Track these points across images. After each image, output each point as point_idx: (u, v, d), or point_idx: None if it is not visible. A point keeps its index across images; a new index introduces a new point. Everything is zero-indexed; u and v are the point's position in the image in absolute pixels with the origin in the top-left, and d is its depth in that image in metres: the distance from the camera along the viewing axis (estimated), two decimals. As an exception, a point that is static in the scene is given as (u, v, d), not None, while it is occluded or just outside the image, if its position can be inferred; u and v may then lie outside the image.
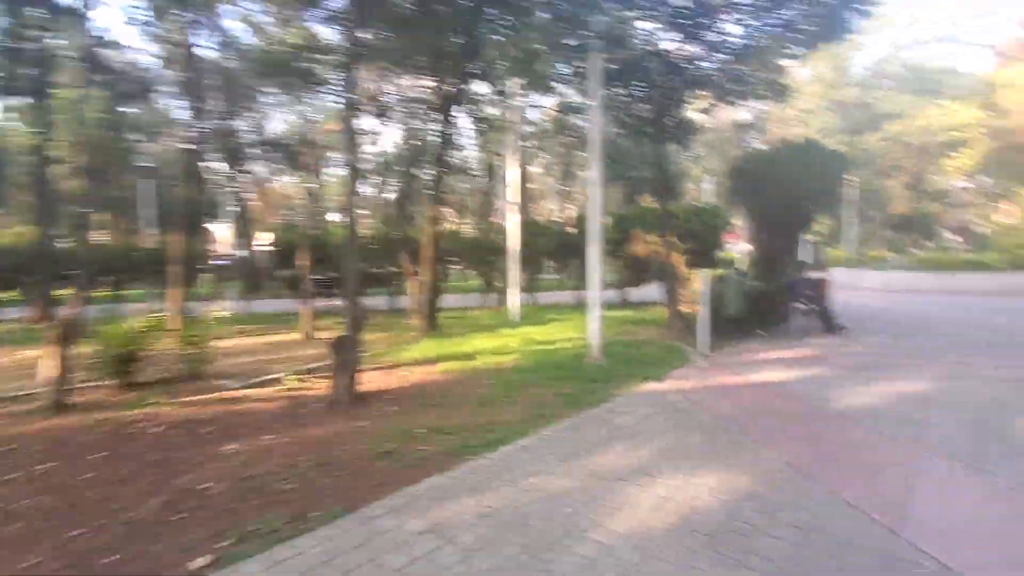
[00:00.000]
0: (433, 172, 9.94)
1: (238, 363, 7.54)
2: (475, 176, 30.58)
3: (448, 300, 15.77)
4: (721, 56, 10.79)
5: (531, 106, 31.14)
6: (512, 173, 12.45)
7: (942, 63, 34.75)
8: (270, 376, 6.45)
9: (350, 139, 5.25)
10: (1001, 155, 33.53)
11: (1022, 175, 32.15)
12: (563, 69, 12.41)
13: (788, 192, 10.27)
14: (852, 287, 18.20)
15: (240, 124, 23.43)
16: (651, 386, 5.73)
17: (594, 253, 7.06)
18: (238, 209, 23.09)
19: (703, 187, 32.33)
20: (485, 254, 14.81)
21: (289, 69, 11.50)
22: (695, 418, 4.57)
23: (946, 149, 28.74)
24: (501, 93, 13.08)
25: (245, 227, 23.24)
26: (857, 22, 8.68)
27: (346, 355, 4.94)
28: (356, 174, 5.08)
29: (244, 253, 20.56)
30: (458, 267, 17.11)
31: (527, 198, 16.43)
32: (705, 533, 2.68)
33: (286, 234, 16.39)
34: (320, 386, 5.73)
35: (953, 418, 4.46)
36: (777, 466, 3.50)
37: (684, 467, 3.50)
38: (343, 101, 15.27)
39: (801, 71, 35.80)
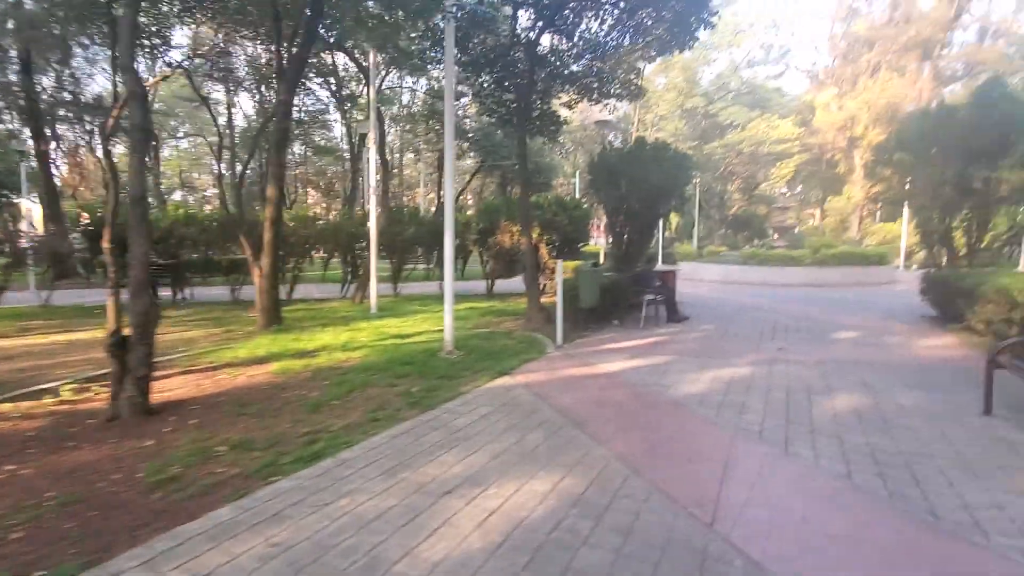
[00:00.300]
0: (277, 146, 8.81)
1: (9, 368, 6.03)
2: (341, 157, 28.72)
3: (307, 290, 14.51)
4: (582, 52, 11.03)
5: (402, 87, 30.00)
6: (374, 155, 11.63)
7: (772, 83, 39.93)
8: (43, 385, 5.18)
9: (137, 102, 4.26)
10: (811, 167, 39.56)
11: (826, 185, 38.26)
12: (424, 47, 11.85)
13: (642, 188, 10.82)
14: (697, 279, 20.10)
15: (44, 80, 19.41)
16: (501, 381, 5.53)
17: (448, 243, 6.70)
18: (46, 181, 19.11)
19: (574, 182, 33.76)
20: (348, 241, 13.78)
21: (102, 13, 9.50)
22: (537, 415, 4.42)
23: (772, 159, 33.06)
24: (362, 68, 12.16)
25: (52, 203, 19.31)
26: (700, 31, 9.26)
27: (131, 359, 4.02)
28: (145, 137, 4.14)
29: (51, 233, 17.04)
30: (323, 255, 15.76)
31: (388, 183, 15.59)
32: (528, 549, 2.45)
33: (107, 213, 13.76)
34: (104, 397, 4.67)
35: (769, 401, 4.82)
36: (608, 463, 3.43)
37: (516, 472, 3.28)
38: (172, 60, 13.22)
39: (657, 79, 38.88)
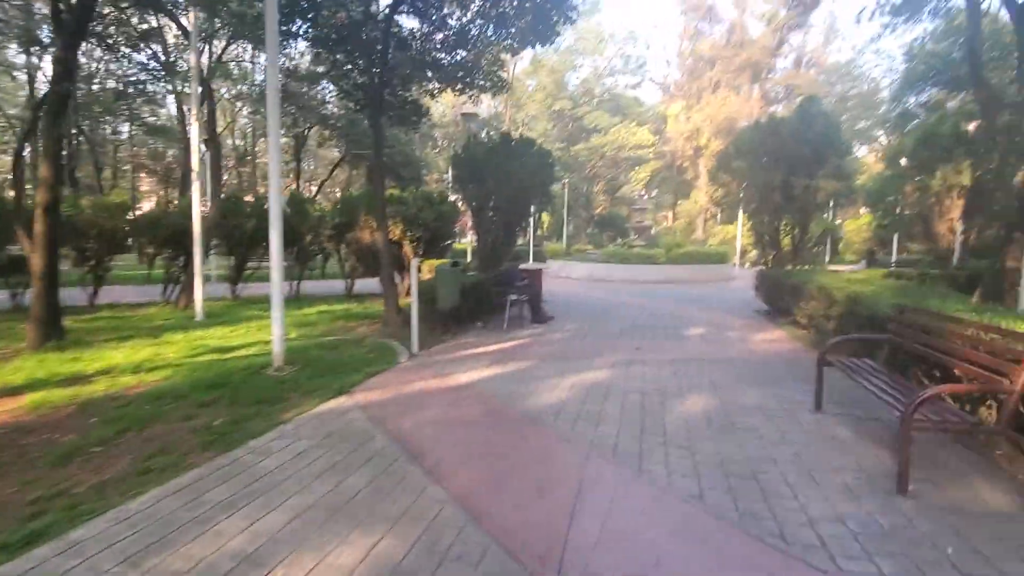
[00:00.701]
0: (54, 115, 6.94)
1: None
2: (179, 138, 24.96)
3: (123, 294, 12.14)
4: (446, 38, 10.42)
5: (253, 63, 26.90)
6: (195, 133, 9.90)
7: (631, 92, 42.83)
8: None
9: None
10: (665, 173, 43.22)
11: (677, 190, 42.04)
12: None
13: (507, 184, 10.51)
14: (564, 277, 20.59)
15: None
16: (336, 403, 4.71)
17: (275, 239, 5.66)
18: None
19: (446, 179, 33.09)
20: (169, 235, 11.69)
21: None
22: (368, 446, 3.71)
23: (632, 163, 35.40)
24: (182, 28, 10.31)
25: None
26: (561, 25, 9.12)
27: None
28: None
29: None
30: (150, 251, 13.25)
31: (223, 168, 13.63)
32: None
33: None
34: None
35: (625, 409, 4.61)
36: (442, 509, 2.84)
37: (321, 537, 2.55)
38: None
39: (528, 82, 39.71)
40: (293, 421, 4.22)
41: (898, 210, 13.58)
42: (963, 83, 22.72)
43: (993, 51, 22.11)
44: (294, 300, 12.21)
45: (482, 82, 11.56)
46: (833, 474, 3.33)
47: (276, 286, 5.76)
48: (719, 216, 37.74)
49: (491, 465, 3.42)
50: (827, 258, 29.28)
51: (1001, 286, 10.27)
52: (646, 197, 50.50)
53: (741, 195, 11.67)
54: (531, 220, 21.25)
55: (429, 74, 11.78)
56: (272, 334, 5.74)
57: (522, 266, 12.61)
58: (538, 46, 10.01)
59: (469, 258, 15.04)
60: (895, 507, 2.91)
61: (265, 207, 14.14)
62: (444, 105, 38.05)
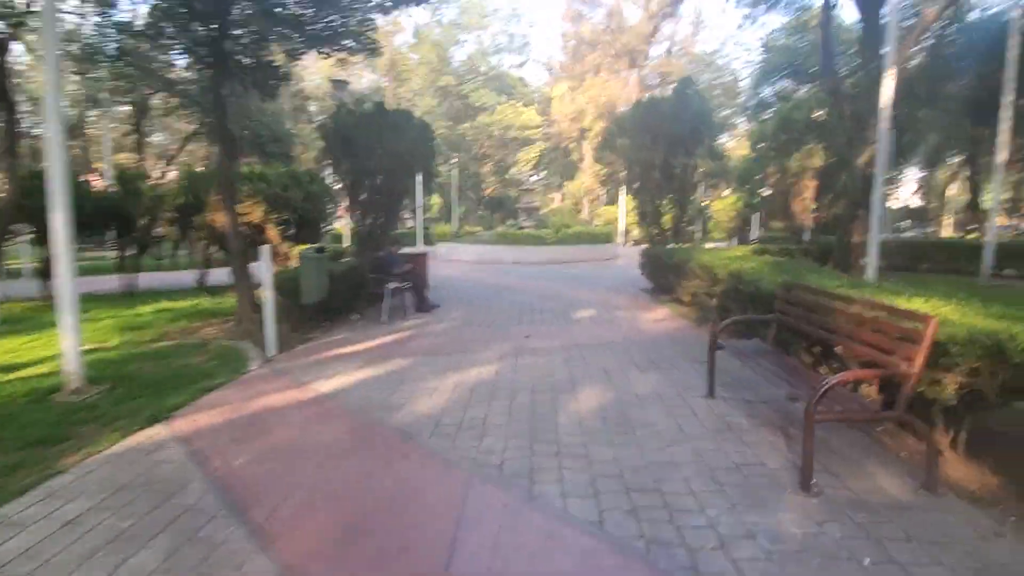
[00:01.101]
0: None
1: None
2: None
3: None
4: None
5: (84, 18, 22.47)
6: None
7: (516, 72, 42.63)
8: None
9: None
10: (552, 155, 43.87)
11: (564, 171, 42.91)
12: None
13: (383, 159, 9.52)
14: (454, 260, 19.87)
15: None
16: (147, 434, 3.64)
17: (59, 224, 4.31)
18: None
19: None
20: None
21: None
22: (178, 499, 2.79)
23: (519, 144, 35.32)
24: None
25: None
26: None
27: None
28: None
29: None
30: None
31: (18, 135, 10.98)
32: None
33: None
34: None
35: (513, 412, 4.08)
36: (266, 593, 2.07)
37: None
38: None
39: (411, 56, 37.86)
40: (74, 469, 3.13)
41: (761, 191, 14.63)
42: (811, 75, 25.30)
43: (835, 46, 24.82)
44: (126, 297, 10.26)
45: (351, 44, 10.34)
46: (735, 473, 3.04)
47: (65, 283, 4.42)
48: (603, 197, 39.15)
49: (343, 512, 2.69)
50: (699, 236, 31.60)
51: (848, 258, 11.37)
52: (535, 179, 51.09)
53: (623, 174, 11.70)
54: (419, 201, 20.17)
55: (288, 32, 10.33)
56: (62, 346, 4.41)
57: (406, 250, 11.70)
58: (414, 6, 9.07)
59: (348, 243, 13.77)
60: (803, 509, 2.66)
61: (89, 186, 11.76)
62: (321, 77, 35.07)
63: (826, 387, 2.75)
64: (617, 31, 36.94)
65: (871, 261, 8.80)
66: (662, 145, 10.33)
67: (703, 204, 21.78)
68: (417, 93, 36.47)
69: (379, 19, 11.29)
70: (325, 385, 4.78)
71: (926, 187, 34.91)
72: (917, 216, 36.02)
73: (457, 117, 36.93)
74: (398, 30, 35.65)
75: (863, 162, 10.79)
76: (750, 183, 14.83)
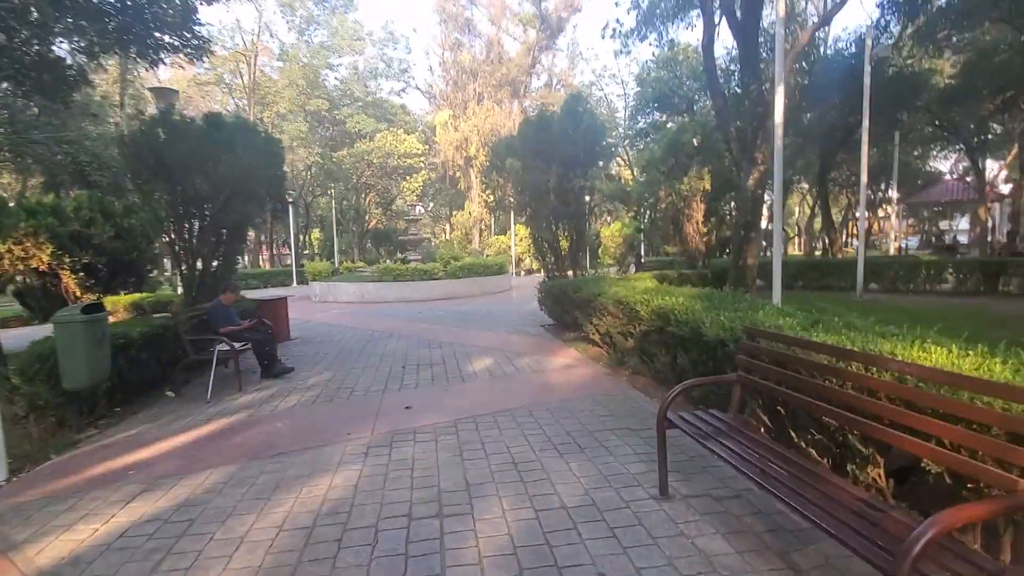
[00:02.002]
0: None
1: None
2: None
3: None
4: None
5: None
6: None
7: (397, 99, 41.19)
8: None
9: None
10: (438, 185, 42.70)
11: (452, 201, 41.88)
12: None
13: (214, 184, 7.50)
14: (330, 301, 17.57)
15: None
16: None
17: None
18: None
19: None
20: None
21: None
22: None
23: (402, 173, 33.67)
24: None
25: None
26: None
27: None
28: None
29: None
30: None
31: None
32: None
33: None
34: None
35: (371, 562, 2.47)
36: None
37: None
38: None
39: (274, 76, 34.91)
40: None
41: (650, 215, 14.46)
42: (678, 108, 26.83)
43: (697, 79, 26.59)
44: None
45: (169, 39, 8.29)
46: None
47: None
48: (493, 227, 38.57)
49: None
50: (587, 262, 31.96)
51: (744, 280, 11.20)
52: (420, 210, 49.48)
53: (511, 200, 10.62)
54: (295, 236, 17.69)
55: (82, 24, 8.05)
56: None
57: (260, 295, 9.55)
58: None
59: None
60: None
61: None
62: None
63: (924, 542, 1.53)
64: (497, 61, 37.14)
65: (775, 282, 8.43)
66: (555, 167, 9.40)
67: (597, 230, 21.73)
68: (284, 118, 33.48)
69: (233, 35, 9.30)
70: (47, 552, 2.81)
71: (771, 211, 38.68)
72: (766, 238, 39.79)
73: (333, 145, 34.43)
74: (260, 50, 32.70)
75: (752, 184, 10.74)
76: (641, 207, 14.65)
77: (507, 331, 9.77)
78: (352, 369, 7.10)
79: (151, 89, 10.12)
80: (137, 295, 10.09)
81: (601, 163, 9.59)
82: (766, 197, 12.33)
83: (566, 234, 9.86)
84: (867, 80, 12.99)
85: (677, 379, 4.67)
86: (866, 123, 13.23)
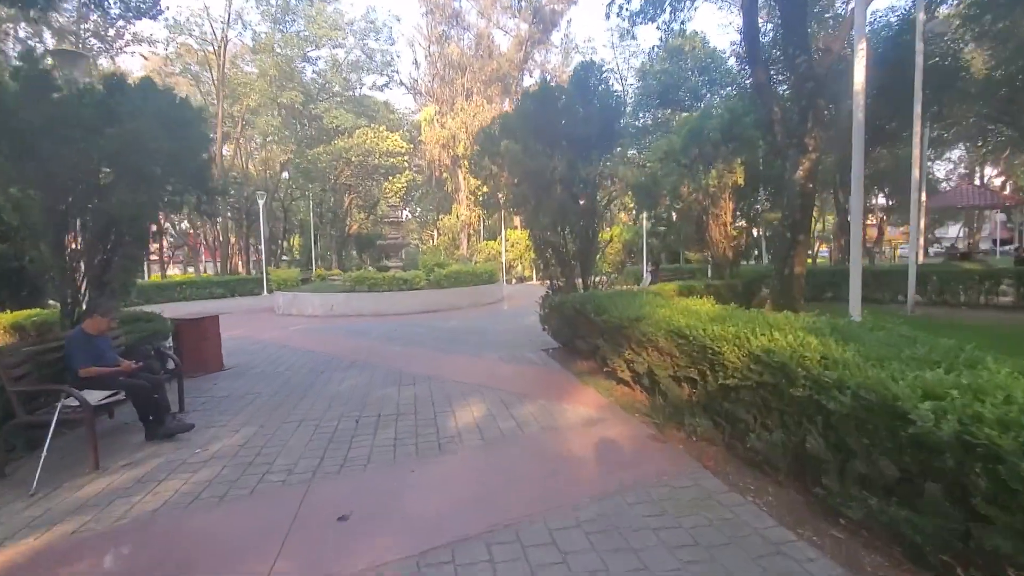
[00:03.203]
0: None
1: None
2: None
3: None
4: None
5: None
6: None
7: (380, 95, 39.13)
8: None
9: None
10: (424, 188, 40.65)
11: (438, 205, 39.86)
12: None
13: (110, 165, 5.47)
14: (293, 315, 15.48)
15: None
16: None
17: None
18: None
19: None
20: None
21: None
22: None
23: (384, 173, 31.58)
24: None
25: None
26: None
27: None
28: None
29: None
30: None
31: None
32: None
33: None
34: None
35: None
36: None
37: None
38: None
39: (247, 68, 32.77)
40: None
41: (668, 214, 12.59)
42: (684, 102, 25.13)
43: (704, 73, 24.94)
44: None
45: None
46: None
47: None
48: (482, 231, 36.55)
49: None
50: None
51: (791, 292, 9.33)
52: (408, 215, 47.25)
53: (505, 194, 8.65)
54: (266, 241, 15.56)
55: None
56: None
57: (185, 313, 7.48)
58: None
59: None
60: None
61: None
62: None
63: None
64: (487, 56, 35.31)
65: (854, 295, 6.65)
66: (563, 150, 7.47)
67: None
68: (255, 113, 31.25)
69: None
70: None
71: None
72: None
73: (308, 143, 32.24)
74: (231, 41, 30.52)
75: (801, 176, 8.88)
76: (653, 207, 12.77)
77: (501, 357, 7.78)
78: (284, 424, 5.06)
79: (52, 52, 8.03)
80: (24, 313, 7.96)
81: (619, 148, 7.68)
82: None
83: (574, 236, 7.91)
84: (919, 59, 11.27)
85: (799, 469, 2.73)
86: (918, 109, 11.49)
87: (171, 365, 5.55)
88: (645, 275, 11.58)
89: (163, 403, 4.70)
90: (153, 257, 30.98)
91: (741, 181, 10.19)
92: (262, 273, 24.26)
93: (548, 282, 8.26)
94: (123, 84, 6.35)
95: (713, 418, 3.72)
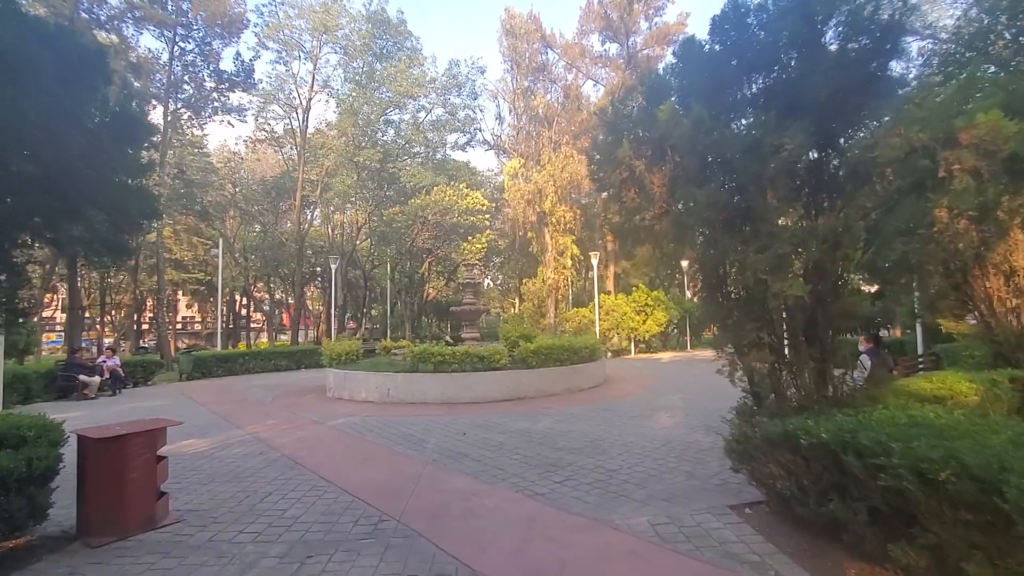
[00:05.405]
0: None
1: None
2: None
3: None
4: None
5: None
6: None
7: (462, 155, 37.98)
8: None
9: None
10: (507, 253, 38.16)
11: (522, 269, 37.01)
12: None
13: None
14: (344, 400, 12.39)
15: None
16: None
17: None
18: None
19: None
20: None
21: None
22: None
23: (464, 233, 29.31)
24: None
25: None
26: None
27: None
28: None
29: None
30: None
31: None
32: None
33: None
34: None
35: None
36: None
37: None
38: None
39: (330, 132, 32.61)
40: None
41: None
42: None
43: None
44: None
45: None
46: None
47: None
48: (571, 299, 32.93)
49: None
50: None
51: None
52: (488, 283, 44.77)
53: (651, 213, 4.91)
54: (334, 307, 12.91)
55: None
56: None
57: (84, 432, 4.30)
58: None
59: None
60: None
61: None
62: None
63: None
64: (575, 109, 33.19)
65: None
66: (793, 117, 3.78)
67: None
68: (332, 175, 30.48)
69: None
70: None
71: None
72: None
73: (385, 203, 30.88)
74: (312, 100, 30.53)
75: None
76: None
77: (654, 523, 3.88)
78: None
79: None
80: None
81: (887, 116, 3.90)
82: None
83: (805, 279, 3.99)
84: None
85: None
86: None
87: None
88: (863, 357, 7.19)
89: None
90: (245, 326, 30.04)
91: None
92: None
93: (745, 375, 4.29)
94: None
95: None
